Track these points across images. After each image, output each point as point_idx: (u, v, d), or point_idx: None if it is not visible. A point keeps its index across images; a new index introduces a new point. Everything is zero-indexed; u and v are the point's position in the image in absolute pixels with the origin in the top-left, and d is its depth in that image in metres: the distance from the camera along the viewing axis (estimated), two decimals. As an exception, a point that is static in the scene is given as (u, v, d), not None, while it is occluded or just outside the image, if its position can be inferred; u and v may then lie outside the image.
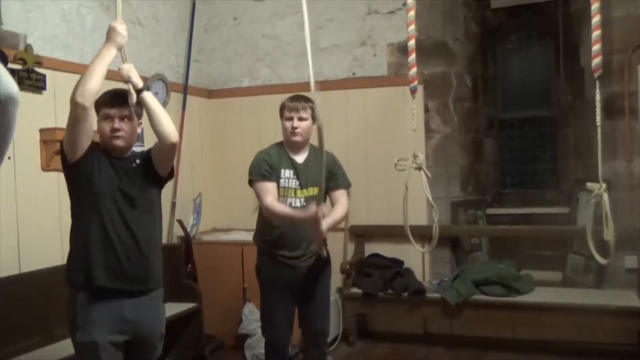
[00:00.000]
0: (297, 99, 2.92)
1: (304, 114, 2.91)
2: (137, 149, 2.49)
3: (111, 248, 2.25)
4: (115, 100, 2.30)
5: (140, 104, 2.28)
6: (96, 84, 2.16)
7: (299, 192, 2.93)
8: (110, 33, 2.25)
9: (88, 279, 2.24)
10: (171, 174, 2.49)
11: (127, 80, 2.26)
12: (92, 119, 2.26)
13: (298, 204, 2.91)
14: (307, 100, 2.92)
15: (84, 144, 2.25)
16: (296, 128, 2.91)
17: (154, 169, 2.38)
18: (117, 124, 2.29)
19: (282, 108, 2.96)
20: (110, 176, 2.29)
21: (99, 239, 2.25)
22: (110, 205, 2.26)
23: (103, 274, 2.24)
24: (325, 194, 2.96)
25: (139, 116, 2.39)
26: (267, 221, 2.94)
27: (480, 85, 5.02)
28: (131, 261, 2.27)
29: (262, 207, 2.90)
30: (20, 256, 3.15)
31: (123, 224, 2.27)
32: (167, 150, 2.33)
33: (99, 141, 2.35)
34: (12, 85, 1.60)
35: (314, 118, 2.92)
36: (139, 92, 2.26)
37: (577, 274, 4.28)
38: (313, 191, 2.92)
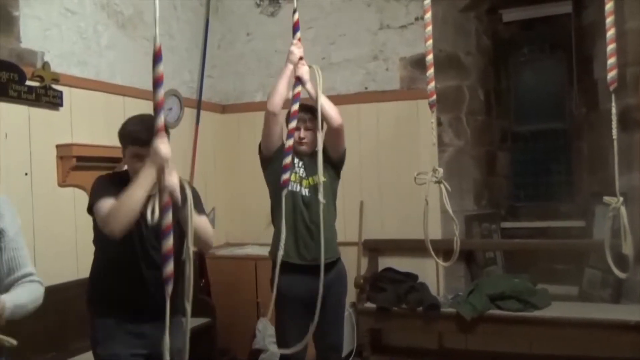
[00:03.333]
0: (303, 109, 2.93)
1: (310, 124, 2.93)
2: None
3: (141, 286, 2.24)
4: (147, 137, 2.01)
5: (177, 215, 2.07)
6: (136, 215, 2.05)
7: (304, 181, 2.96)
8: (151, 154, 1.94)
9: (107, 313, 2.26)
10: None
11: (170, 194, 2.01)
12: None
13: (304, 193, 2.94)
14: (313, 111, 2.94)
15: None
16: (303, 138, 2.94)
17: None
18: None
19: (287, 117, 2.97)
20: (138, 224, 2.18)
21: (129, 277, 2.24)
22: (140, 242, 2.24)
23: (127, 310, 2.25)
24: (333, 191, 3.03)
25: None
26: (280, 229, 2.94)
27: (493, 98, 5.01)
28: (157, 298, 2.16)
29: (267, 112, 2.88)
30: (37, 271, 3.17)
31: (154, 262, 2.21)
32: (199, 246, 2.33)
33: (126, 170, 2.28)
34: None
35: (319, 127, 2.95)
36: (179, 204, 2.04)
37: (594, 288, 4.23)
38: (317, 179, 2.92)
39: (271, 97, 2.84)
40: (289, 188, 2.86)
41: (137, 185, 2.02)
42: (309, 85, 2.81)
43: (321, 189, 2.78)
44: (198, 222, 2.21)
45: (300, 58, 2.80)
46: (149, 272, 2.24)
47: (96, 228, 2.26)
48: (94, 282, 2.36)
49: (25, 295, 1.89)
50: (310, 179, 2.96)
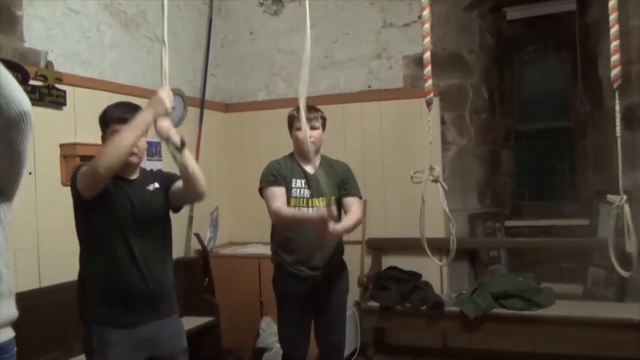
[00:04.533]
0: (307, 109, 2.93)
1: (315, 123, 2.92)
2: (151, 163, 2.46)
3: (123, 280, 2.19)
4: (127, 115, 2.16)
5: (178, 157, 2.13)
6: (124, 159, 2.07)
7: (310, 201, 2.92)
8: (152, 100, 2.07)
9: (100, 315, 2.20)
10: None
11: (166, 139, 2.12)
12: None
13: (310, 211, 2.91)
14: (317, 110, 2.94)
15: (102, 189, 2.15)
16: (310, 137, 2.91)
17: (167, 202, 2.32)
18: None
19: (292, 119, 2.96)
20: (124, 206, 2.20)
21: (111, 271, 2.19)
22: (121, 236, 2.19)
23: (115, 309, 2.19)
24: (339, 203, 2.95)
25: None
26: (279, 232, 2.94)
27: (497, 96, 4.99)
28: (144, 291, 2.20)
29: (270, 213, 2.88)
30: (40, 270, 3.19)
31: (135, 254, 2.19)
32: (191, 199, 2.29)
33: None
34: (25, 102, 1.63)
35: (324, 127, 2.95)
36: (178, 149, 2.12)
37: (598, 286, 4.21)
38: (326, 200, 2.90)
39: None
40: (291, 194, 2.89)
41: (130, 128, 2.05)
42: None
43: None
44: (196, 166, 2.20)
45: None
46: (133, 262, 2.19)
47: (80, 225, 2.26)
48: (83, 284, 2.27)
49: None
50: (317, 200, 2.92)
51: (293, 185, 2.91)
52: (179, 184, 2.28)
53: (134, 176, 2.30)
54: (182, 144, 2.10)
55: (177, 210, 2.41)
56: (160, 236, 2.32)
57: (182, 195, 2.30)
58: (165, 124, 2.09)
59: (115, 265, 2.19)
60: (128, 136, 2.05)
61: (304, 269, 2.91)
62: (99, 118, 2.30)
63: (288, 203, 2.88)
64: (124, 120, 2.16)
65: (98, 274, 2.21)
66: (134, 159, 2.24)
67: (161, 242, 2.33)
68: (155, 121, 2.08)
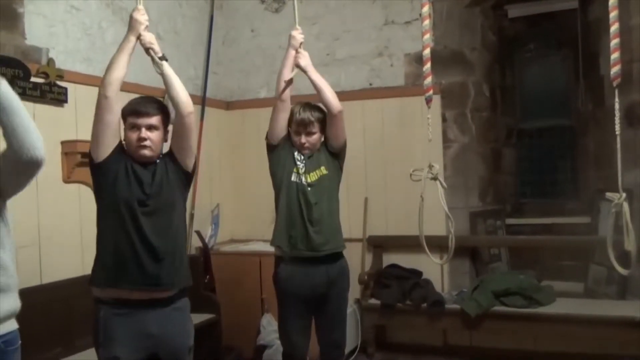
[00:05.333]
0: (306, 109, 2.92)
1: (312, 129, 2.92)
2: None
3: (132, 256, 2.23)
4: (142, 109, 2.29)
5: (159, 68, 2.32)
6: (118, 73, 2.21)
7: (307, 176, 2.93)
8: (130, 21, 2.30)
9: (109, 289, 2.24)
10: (194, 169, 2.47)
11: (148, 48, 2.31)
12: (117, 115, 2.27)
13: (304, 182, 2.91)
14: (317, 110, 2.94)
15: (109, 141, 2.24)
16: (304, 144, 2.93)
17: (178, 162, 2.36)
18: (143, 133, 2.27)
19: (292, 115, 2.96)
20: (133, 183, 2.26)
21: (120, 247, 2.24)
22: (130, 212, 2.24)
23: (123, 283, 2.23)
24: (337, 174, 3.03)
25: (166, 125, 2.38)
26: (280, 216, 2.94)
27: (499, 94, 4.99)
28: (151, 269, 2.24)
29: (276, 97, 2.95)
30: (42, 267, 3.20)
31: (143, 232, 2.24)
32: (183, 123, 2.32)
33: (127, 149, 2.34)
34: (38, 148, 1.65)
35: (322, 130, 2.94)
36: (160, 59, 2.31)
37: (599, 284, 4.21)
38: (320, 172, 2.93)
39: (277, 85, 2.93)
40: (292, 179, 2.89)
41: (118, 49, 2.27)
42: (310, 70, 2.85)
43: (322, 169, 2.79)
44: (176, 77, 2.36)
45: (301, 44, 2.86)
46: (142, 239, 2.25)
47: (96, 197, 2.35)
48: (94, 261, 2.33)
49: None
50: (311, 173, 2.95)
51: (296, 157, 2.94)
52: (173, 128, 2.38)
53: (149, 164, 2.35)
54: (163, 56, 2.31)
55: (189, 163, 2.41)
56: (170, 216, 2.35)
57: (175, 124, 2.37)
58: (148, 36, 2.31)
59: (123, 239, 2.24)
60: (116, 56, 2.24)
61: (303, 249, 2.90)
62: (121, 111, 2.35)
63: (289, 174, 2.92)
64: (137, 113, 2.26)
65: (107, 248, 2.27)
66: (146, 152, 2.29)
67: (171, 223, 2.35)
68: (139, 38, 2.30)
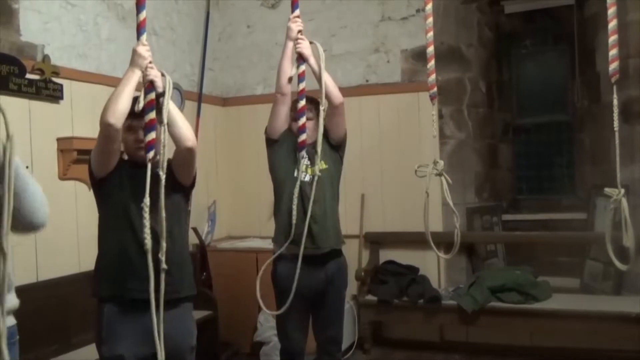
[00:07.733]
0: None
1: (309, 114, 2.91)
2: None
3: (137, 258, 2.19)
4: (139, 111, 2.24)
5: (160, 107, 2.21)
6: (126, 105, 2.15)
7: (309, 169, 2.92)
8: (133, 56, 2.22)
9: (115, 290, 2.23)
10: (193, 184, 2.45)
11: (151, 82, 2.21)
12: (120, 141, 2.25)
13: (307, 179, 2.90)
14: (312, 101, 2.93)
15: (114, 163, 2.25)
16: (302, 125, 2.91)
17: (174, 176, 2.35)
18: (141, 135, 2.24)
19: (292, 105, 2.95)
20: (135, 186, 2.21)
21: (125, 250, 2.22)
22: (135, 215, 2.21)
23: (129, 285, 2.21)
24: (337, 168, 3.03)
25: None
26: (280, 213, 2.93)
27: (495, 90, 4.99)
28: (155, 280, 2.21)
29: (276, 89, 2.94)
30: (38, 264, 3.18)
31: (148, 234, 2.19)
32: (184, 155, 2.30)
33: (123, 150, 2.33)
34: (40, 217, 1.74)
35: (317, 122, 2.93)
36: (159, 95, 2.21)
37: (595, 280, 4.23)
38: (320, 166, 2.89)
39: (277, 78, 2.89)
40: (294, 174, 2.87)
41: (123, 81, 2.19)
42: (311, 60, 2.80)
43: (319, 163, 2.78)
44: (177, 111, 2.27)
45: (300, 32, 2.79)
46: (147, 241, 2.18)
47: (99, 204, 2.33)
48: (97, 263, 2.32)
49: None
50: (312, 168, 2.93)
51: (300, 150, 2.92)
52: (175, 150, 2.32)
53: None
54: (163, 93, 2.20)
55: (186, 181, 2.39)
56: (174, 217, 2.30)
57: (175, 153, 2.31)
58: (153, 72, 2.21)
59: (128, 242, 2.22)
60: (122, 89, 2.16)
61: (305, 246, 2.89)
62: None
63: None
64: (134, 115, 2.20)
65: (113, 250, 2.25)
66: (143, 153, 2.23)
67: (175, 224, 2.32)
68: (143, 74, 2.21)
